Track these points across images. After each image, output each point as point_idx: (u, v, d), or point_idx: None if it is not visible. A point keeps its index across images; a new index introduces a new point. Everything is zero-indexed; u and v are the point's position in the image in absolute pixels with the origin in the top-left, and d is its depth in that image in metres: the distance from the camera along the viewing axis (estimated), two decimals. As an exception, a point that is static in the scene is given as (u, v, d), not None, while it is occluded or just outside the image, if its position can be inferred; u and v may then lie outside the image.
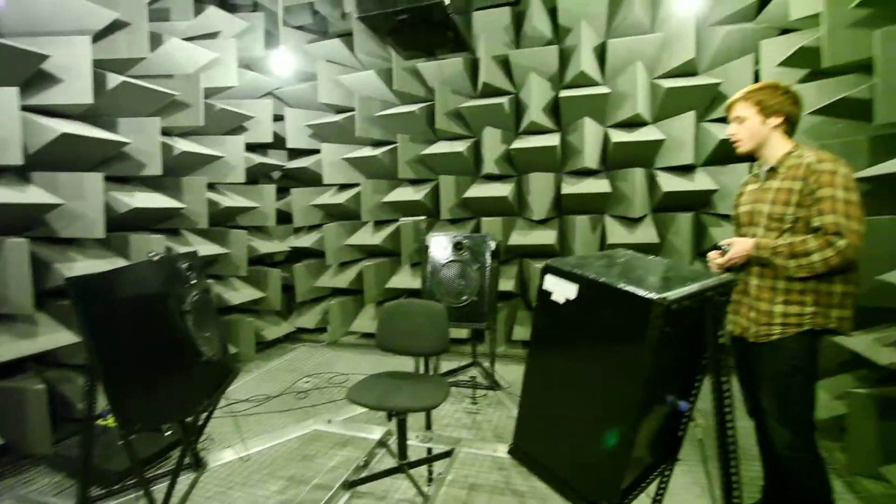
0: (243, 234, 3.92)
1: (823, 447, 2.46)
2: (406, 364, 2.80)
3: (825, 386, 2.55)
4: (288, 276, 4.62)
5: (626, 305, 1.10)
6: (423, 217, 3.16)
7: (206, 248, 3.56)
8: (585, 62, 3.64)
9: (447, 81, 4.04)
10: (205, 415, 2.18)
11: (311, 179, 4.62)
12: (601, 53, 3.80)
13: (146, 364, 1.74)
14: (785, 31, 3.17)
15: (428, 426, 2.64)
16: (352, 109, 4.32)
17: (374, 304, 4.53)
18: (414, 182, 4.35)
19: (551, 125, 3.94)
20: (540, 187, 3.91)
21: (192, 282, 1.95)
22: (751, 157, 1.88)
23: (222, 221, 3.97)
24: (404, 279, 4.27)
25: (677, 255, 3.69)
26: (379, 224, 4.49)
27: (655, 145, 3.65)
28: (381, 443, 2.48)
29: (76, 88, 2.62)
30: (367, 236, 4.41)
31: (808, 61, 2.68)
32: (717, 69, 3.56)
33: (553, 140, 3.78)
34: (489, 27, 3.91)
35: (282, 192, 4.64)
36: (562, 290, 1.25)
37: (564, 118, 3.92)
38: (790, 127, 1.73)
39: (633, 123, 3.76)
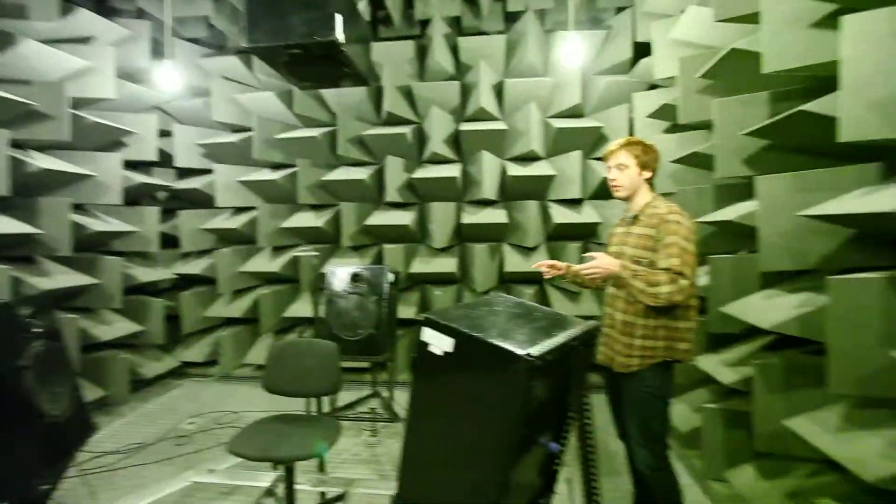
0: (118, 261, 3.52)
1: (686, 455, 2.77)
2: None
3: (687, 400, 2.87)
4: (174, 305, 4.23)
5: (497, 359, 1.16)
6: (316, 253, 3.09)
7: (68, 279, 3.15)
8: (484, 99, 3.82)
9: (350, 108, 4.01)
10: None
11: (202, 201, 4.30)
12: (499, 91, 4.02)
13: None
14: (654, 87, 3.60)
15: (321, 468, 2.53)
16: (249, 129, 4.12)
17: (271, 334, 4.30)
18: (315, 207, 4.23)
19: (453, 156, 4.06)
20: (441, 216, 4.00)
21: (36, 330, 1.70)
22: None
23: (94, 247, 3.54)
24: (304, 307, 4.10)
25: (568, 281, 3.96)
26: (277, 250, 4.30)
27: (547, 180, 3.92)
28: (269, 491, 2.34)
29: None
30: (265, 263, 4.19)
31: (669, 116, 3.05)
32: (600, 114, 3.94)
33: (454, 171, 3.90)
34: (393, 58, 3.97)
35: (168, 214, 4.26)
36: (439, 343, 1.28)
37: (465, 150, 4.07)
38: (652, 180, 1.98)
39: (528, 158, 4.01)
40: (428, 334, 1.30)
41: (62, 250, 3.08)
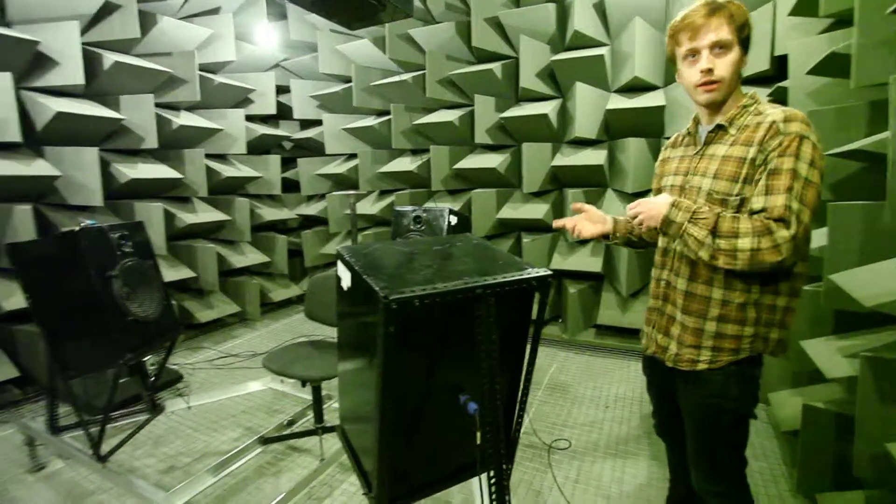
0: (245, 201, 4.18)
1: (777, 458, 2.20)
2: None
3: (795, 392, 2.24)
4: (298, 241, 4.88)
5: (370, 298, 1.06)
6: (354, 192, 3.20)
7: (207, 215, 3.86)
8: (580, 21, 3.31)
9: (441, 47, 3.89)
10: (156, 364, 2.46)
11: (316, 149, 4.76)
12: (602, 10, 3.43)
13: (71, 320, 1.99)
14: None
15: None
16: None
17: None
18: (414, 152, 4.33)
19: (550, 91, 3.67)
20: (533, 158, 3.70)
21: (125, 249, 2.15)
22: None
23: (231, 190, 4.25)
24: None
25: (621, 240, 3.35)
26: (383, 194, 4.55)
27: (656, 112, 3.28)
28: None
29: (69, 70, 2.91)
30: (367, 206, 4.50)
31: (811, 9, 2.23)
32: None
33: (545, 108, 3.53)
34: (482, -14, 3.67)
35: (292, 162, 4.84)
36: (345, 278, 1.23)
37: (563, 84, 3.64)
38: None
39: (638, 87, 3.39)
40: (340, 268, 1.26)
41: (201, 192, 3.78)
